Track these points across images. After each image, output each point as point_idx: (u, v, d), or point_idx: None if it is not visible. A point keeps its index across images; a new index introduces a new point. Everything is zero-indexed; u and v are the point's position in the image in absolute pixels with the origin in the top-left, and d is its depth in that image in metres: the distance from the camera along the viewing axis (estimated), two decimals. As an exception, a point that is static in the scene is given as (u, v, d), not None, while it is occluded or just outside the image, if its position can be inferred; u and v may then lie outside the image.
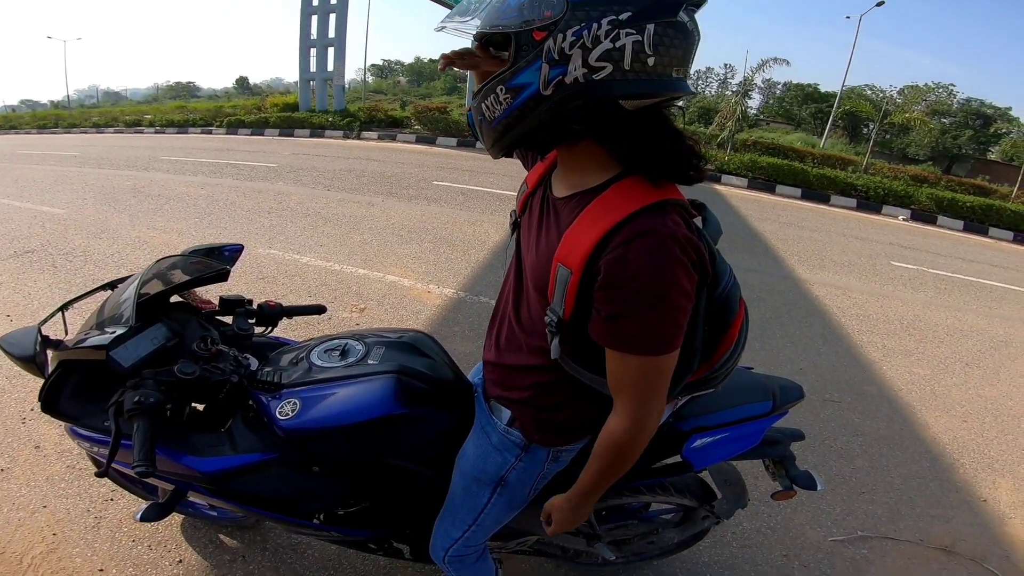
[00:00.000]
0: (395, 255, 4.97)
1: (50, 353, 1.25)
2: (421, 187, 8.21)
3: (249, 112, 18.14)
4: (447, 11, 0.94)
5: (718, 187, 11.98)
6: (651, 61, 0.75)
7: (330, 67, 17.62)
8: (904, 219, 11.72)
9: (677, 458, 1.32)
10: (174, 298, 1.46)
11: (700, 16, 0.80)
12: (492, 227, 6.14)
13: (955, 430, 3.14)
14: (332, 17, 17.22)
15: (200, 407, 1.39)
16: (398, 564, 1.82)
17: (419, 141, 14.73)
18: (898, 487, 2.55)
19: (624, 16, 0.73)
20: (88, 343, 1.17)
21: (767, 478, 1.50)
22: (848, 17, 19.56)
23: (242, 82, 66.03)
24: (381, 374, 1.24)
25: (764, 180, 12.74)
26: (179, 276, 1.41)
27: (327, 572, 1.79)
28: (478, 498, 1.19)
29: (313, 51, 17.65)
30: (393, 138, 15.12)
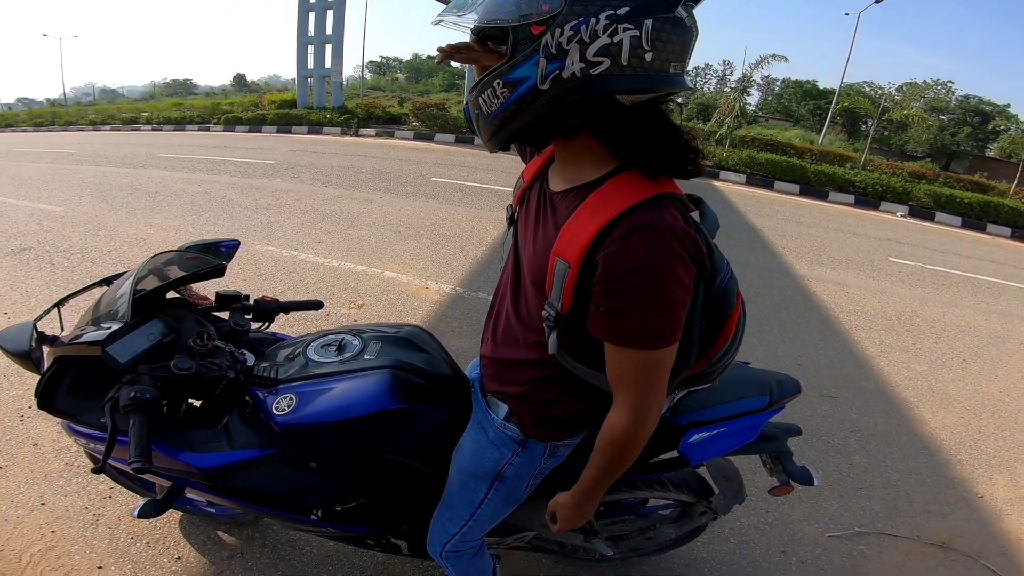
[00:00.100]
0: (393, 251, 4.96)
1: (46, 349, 1.24)
2: (419, 183, 8.20)
3: (246, 109, 18.07)
4: (444, 5, 0.93)
5: (716, 183, 11.98)
6: (649, 56, 0.75)
7: (328, 64, 17.54)
8: (902, 215, 11.73)
9: (674, 453, 1.32)
10: (170, 294, 1.46)
11: (699, 12, 0.80)
12: (490, 223, 6.13)
13: (952, 426, 3.15)
14: (329, 14, 17.13)
15: (197, 403, 1.39)
16: (396, 560, 1.82)
17: (417, 138, 14.70)
18: (895, 483, 2.56)
19: (622, 11, 0.72)
20: (84, 339, 1.16)
21: (764, 474, 1.50)
22: (847, 14, 19.44)
23: (239, 79, 65.81)
24: (377, 369, 1.23)
25: (762, 176, 12.74)
26: (175, 272, 1.41)
27: (325, 568, 1.79)
28: (475, 493, 1.19)
29: (311, 48, 17.56)
30: (391, 135, 15.08)
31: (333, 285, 4.12)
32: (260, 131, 15.96)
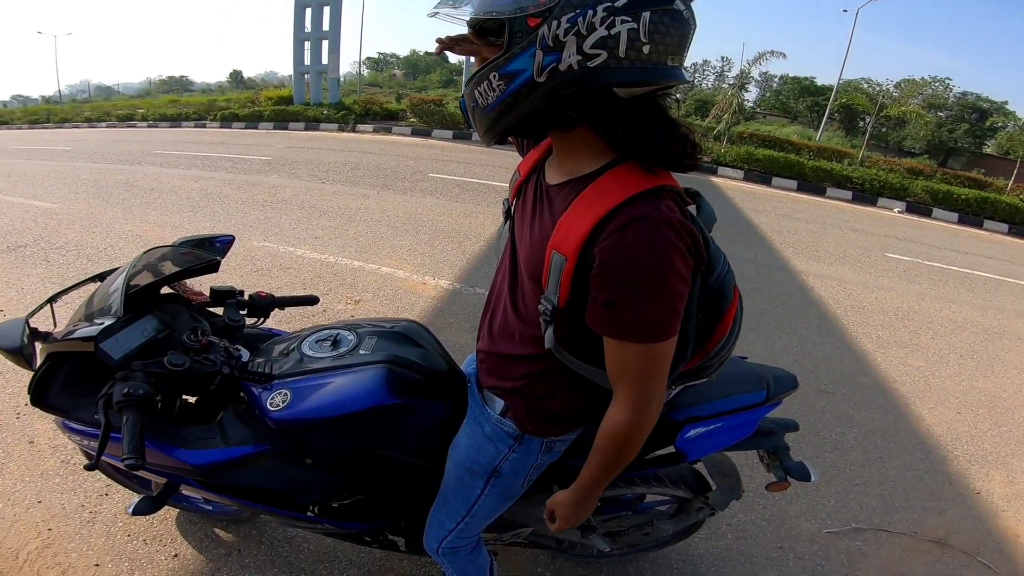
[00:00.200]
0: (390, 247, 4.95)
1: (39, 345, 1.24)
2: (416, 179, 8.18)
3: (243, 106, 17.97)
4: (439, -2, 0.92)
5: (714, 179, 11.98)
6: (646, 49, 0.74)
7: (325, 60, 17.47)
8: (899, 211, 11.74)
9: (671, 449, 1.32)
10: (164, 289, 1.45)
11: (696, 7, 0.79)
12: (488, 219, 6.12)
13: (949, 422, 3.15)
14: (326, 10, 17.05)
15: (191, 399, 1.38)
16: (393, 556, 1.82)
17: (415, 134, 14.66)
18: (892, 479, 2.56)
19: (620, 3, 0.72)
20: (77, 335, 1.15)
21: (762, 469, 1.50)
22: (845, 11, 19.44)
23: (236, 76, 65.56)
24: (373, 364, 1.23)
25: (760, 172, 12.74)
26: (169, 267, 1.40)
27: (323, 565, 1.79)
28: (471, 489, 1.18)
29: (308, 44, 17.47)
30: (389, 131, 15.03)
31: (330, 281, 4.11)
32: (257, 128, 15.90)
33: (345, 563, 1.80)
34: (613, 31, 0.73)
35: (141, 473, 1.28)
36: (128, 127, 18.46)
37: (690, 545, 1.98)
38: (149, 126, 18.13)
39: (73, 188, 6.91)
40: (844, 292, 5.22)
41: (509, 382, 1.09)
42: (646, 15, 0.72)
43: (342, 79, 19.64)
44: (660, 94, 0.84)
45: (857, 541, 2.16)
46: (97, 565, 1.73)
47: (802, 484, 1.47)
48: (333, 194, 6.91)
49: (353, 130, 15.14)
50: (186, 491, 1.41)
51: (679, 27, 0.75)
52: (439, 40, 0.90)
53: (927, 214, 11.89)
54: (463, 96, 0.91)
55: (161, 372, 1.15)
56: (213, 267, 1.46)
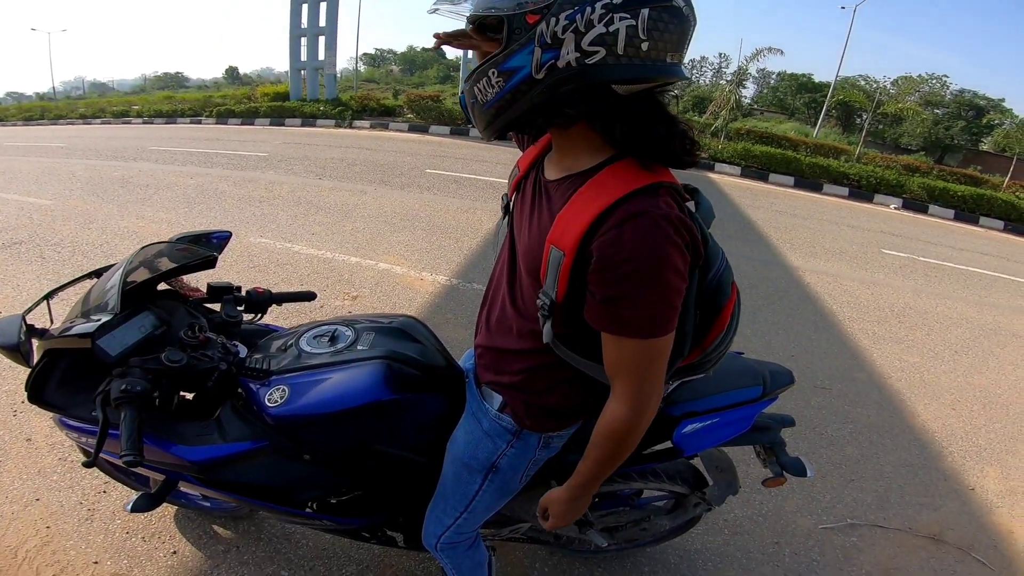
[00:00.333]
0: (387, 243, 4.95)
1: (35, 342, 1.23)
2: (413, 175, 8.17)
3: (239, 102, 17.86)
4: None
5: (712, 175, 11.98)
6: (645, 46, 0.74)
7: (321, 56, 17.39)
8: (895, 208, 11.77)
9: (668, 444, 1.32)
10: (161, 286, 1.45)
11: (695, 3, 0.79)
12: (485, 214, 6.12)
13: (944, 418, 3.17)
14: (323, 6, 16.96)
15: (189, 396, 1.38)
16: (391, 552, 1.82)
17: (412, 130, 14.62)
18: (887, 475, 2.58)
19: (618, 0, 0.71)
20: (73, 331, 1.15)
21: (758, 466, 1.50)
22: (843, 8, 19.46)
23: (232, 72, 65.11)
24: (371, 360, 1.23)
25: (757, 168, 12.74)
26: (165, 263, 1.40)
27: (321, 562, 1.79)
28: (469, 485, 1.19)
29: (304, 40, 17.38)
30: (385, 127, 14.98)
31: (327, 277, 4.11)
32: (253, 124, 15.83)
33: (343, 559, 1.80)
34: (611, 28, 0.72)
35: (139, 470, 1.28)
36: (123, 123, 18.35)
37: (687, 540, 1.99)
38: (144, 122, 18.03)
39: (68, 185, 6.88)
40: (840, 288, 5.23)
41: (507, 377, 1.09)
42: (645, 12, 0.72)
43: (339, 75, 19.55)
44: (659, 90, 0.84)
45: (852, 537, 2.17)
46: (96, 562, 1.73)
47: (798, 480, 1.48)
48: (330, 190, 6.89)
49: (350, 126, 15.09)
50: (184, 488, 1.41)
51: (678, 24, 0.75)
52: (437, 35, 0.90)
53: (923, 211, 11.92)
54: (463, 92, 0.91)
55: (159, 368, 1.15)
56: (210, 263, 1.45)
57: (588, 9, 0.72)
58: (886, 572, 2.04)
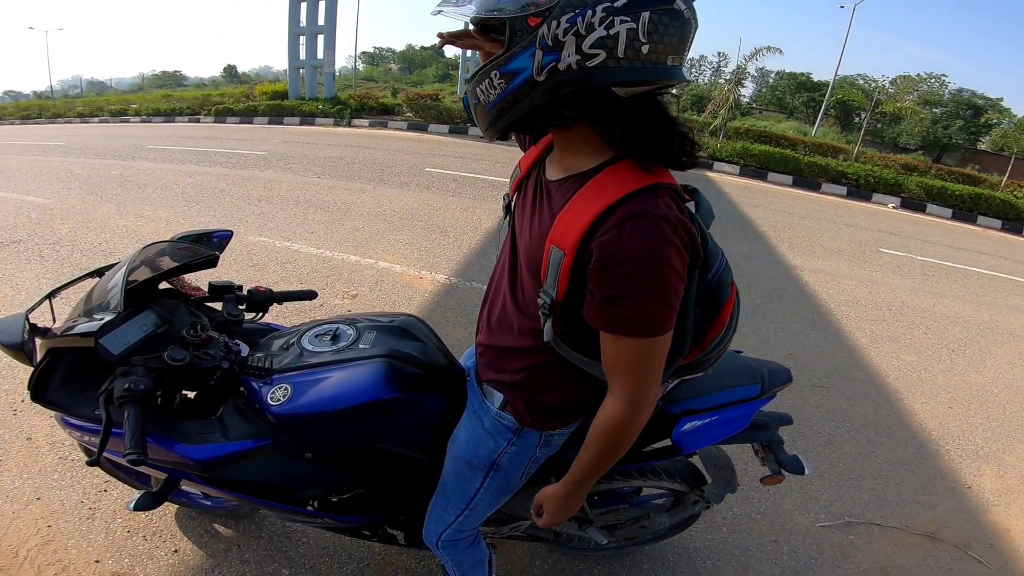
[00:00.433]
0: (387, 242, 4.95)
1: (38, 341, 1.24)
2: (413, 174, 8.16)
3: (237, 100, 17.81)
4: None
5: (710, 174, 11.99)
6: (645, 49, 0.75)
7: (320, 55, 17.36)
8: (894, 207, 11.79)
9: (667, 442, 1.33)
10: (163, 285, 1.45)
11: (695, 4, 0.79)
12: (484, 213, 6.12)
13: (941, 416, 3.18)
14: (322, 4, 16.92)
15: (191, 394, 1.39)
16: (393, 550, 1.83)
17: (411, 128, 14.60)
18: (885, 473, 2.59)
19: (619, 3, 0.72)
20: (76, 330, 1.16)
21: (757, 464, 1.51)
22: (842, 7, 19.49)
23: (230, 70, 64.98)
24: (372, 358, 1.23)
25: (756, 167, 12.76)
26: (167, 263, 1.40)
27: (322, 560, 1.80)
28: (470, 483, 1.19)
29: (303, 38, 17.33)
30: (384, 125, 14.97)
31: (327, 276, 4.11)
32: (251, 122, 15.80)
33: (345, 557, 1.81)
34: (612, 31, 0.73)
35: (142, 468, 1.28)
36: (121, 122, 18.30)
37: (686, 538, 2.00)
38: (142, 121, 17.97)
39: (66, 183, 6.86)
40: (838, 287, 5.25)
41: (508, 375, 1.10)
42: (645, 15, 0.73)
43: (337, 73, 19.50)
44: (660, 92, 0.85)
45: (850, 535, 2.19)
46: (97, 561, 1.74)
47: (796, 478, 1.49)
48: (329, 189, 6.89)
49: (349, 125, 15.07)
50: (186, 486, 1.42)
51: (679, 27, 0.76)
52: (441, 35, 0.91)
53: (921, 210, 11.94)
54: (466, 93, 0.92)
55: (161, 367, 1.15)
56: (211, 262, 1.46)
57: (589, 12, 0.73)
58: (883, 570, 2.05)
